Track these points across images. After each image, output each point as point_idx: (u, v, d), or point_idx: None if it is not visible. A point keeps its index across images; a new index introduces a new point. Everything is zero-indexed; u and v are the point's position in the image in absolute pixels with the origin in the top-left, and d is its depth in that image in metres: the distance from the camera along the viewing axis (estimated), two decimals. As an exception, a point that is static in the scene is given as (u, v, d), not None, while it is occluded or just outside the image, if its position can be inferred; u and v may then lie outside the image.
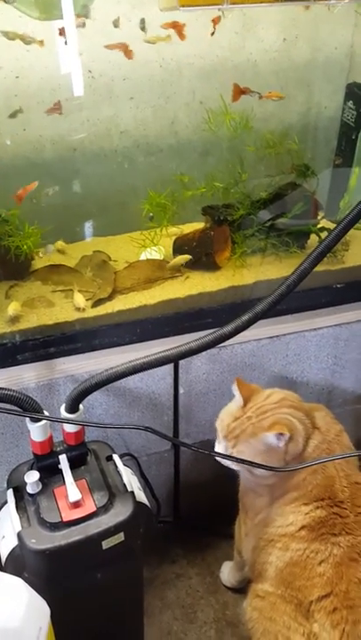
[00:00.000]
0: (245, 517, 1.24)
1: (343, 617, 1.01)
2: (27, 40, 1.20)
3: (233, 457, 1.12)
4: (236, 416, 1.15)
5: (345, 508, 1.09)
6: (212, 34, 1.30)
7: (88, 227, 1.56)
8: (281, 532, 1.12)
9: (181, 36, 1.30)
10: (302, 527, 1.09)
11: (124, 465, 1.12)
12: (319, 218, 1.52)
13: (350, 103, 1.53)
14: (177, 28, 1.27)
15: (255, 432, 1.10)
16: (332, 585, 1.03)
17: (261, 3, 1.14)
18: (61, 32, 1.16)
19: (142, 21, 1.31)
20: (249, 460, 1.08)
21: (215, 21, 1.29)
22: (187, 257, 1.43)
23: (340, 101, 1.60)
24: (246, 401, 1.15)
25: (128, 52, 1.32)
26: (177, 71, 1.48)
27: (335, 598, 1.02)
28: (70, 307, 1.32)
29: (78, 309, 1.31)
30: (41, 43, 1.24)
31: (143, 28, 1.32)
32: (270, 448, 1.10)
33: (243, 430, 1.13)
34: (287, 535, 1.10)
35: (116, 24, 1.27)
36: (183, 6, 1.09)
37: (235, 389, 1.17)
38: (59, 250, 1.51)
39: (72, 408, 1.05)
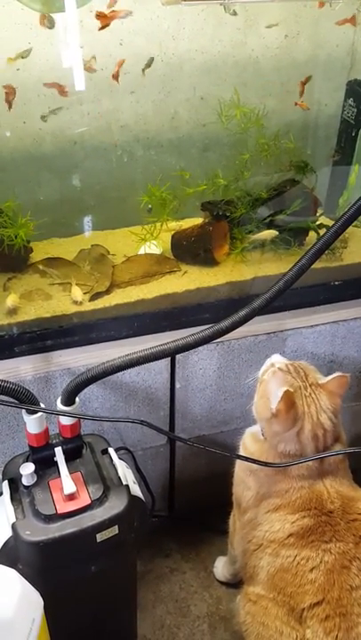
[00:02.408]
0: (238, 513, 1.24)
1: (336, 624, 1.00)
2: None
3: (227, 452, 1.13)
4: (308, 377, 1.15)
5: (335, 517, 1.08)
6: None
7: (86, 220, 1.56)
8: (269, 538, 1.11)
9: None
10: (290, 535, 1.08)
11: (120, 458, 1.12)
12: (318, 215, 1.52)
13: (351, 100, 1.53)
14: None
15: (287, 383, 1.11)
16: (324, 592, 1.03)
17: (263, -2, 1.14)
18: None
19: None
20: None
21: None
22: (274, 232, 1.42)
23: (340, 99, 1.60)
24: (324, 388, 1.14)
25: (63, 92, 1.31)
26: (178, 66, 1.48)
27: (327, 606, 1.02)
28: (68, 300, 1.32)
29: (76, 303, 1.31)
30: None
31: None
32: (269, 401, 1.11)
33: (294, 378, 1.14)
34: (276, 541, 1.10)
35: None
36: (185, 0, 1.09)
37: (337, 376, 1.15)
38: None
39: (68, 401, 1.05)
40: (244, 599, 1.16)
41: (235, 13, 1.35)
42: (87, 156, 1.52)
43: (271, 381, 1.13)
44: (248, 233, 1.48)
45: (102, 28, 1.23)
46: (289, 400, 1.08)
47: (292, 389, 1.09)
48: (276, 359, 1.20)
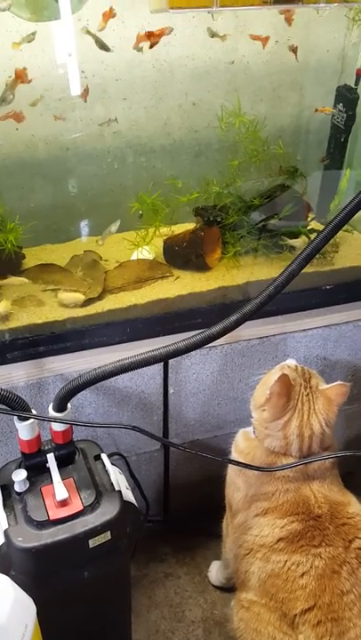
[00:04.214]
0: (230, 516, 1.25)
1: (328, 629, 1.01)
2: None
3: (217, 457, 1.13)
4: (311, 380, 1.17)
5: (323, 521, 1.09)
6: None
7: (79, 226, 1.56)
8: (259, 543, 1.12)
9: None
10: (280, 539, 1.09)
11: (113, 464, 1.12)
12: (309, 219, 1.53)
13: (340, 106, 1.54)
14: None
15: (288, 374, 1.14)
16: (316, 597, 1.03)
17: (251, 5, 1.15)
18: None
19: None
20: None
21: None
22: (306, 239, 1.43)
23: (331, 104, 1.61)
24: (323, 394, 1.15)
25: (19, 118, 1.32)
26: (169, 72, 1.48)
27: (319, 611, 1.02)
28: (60, 305, 1.32)
29: (68, 306, 1.31)
30: None
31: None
32: (266, 387, 1.13)
33: (298, 375, 1.16)
34: (265, 546, 1.11)
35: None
36: (172, 8, 1.10)
37: (337, 384, 1.17)
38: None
39: (60, 407, 1.05)
40: (237, 605, 1.16)
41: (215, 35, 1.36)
42: (80, 163, 1.53)
43: (275, 373, 1.15)
44: (241, 238, 1.48)
45: (152, 46, 1.29)
46: (283, 384, 1.10)
47: (290, 378, 1.11)
48: (290, 361, 1.24)
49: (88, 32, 1.27)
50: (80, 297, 1.32)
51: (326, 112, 1.55)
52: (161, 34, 1.27)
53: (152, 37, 1.27)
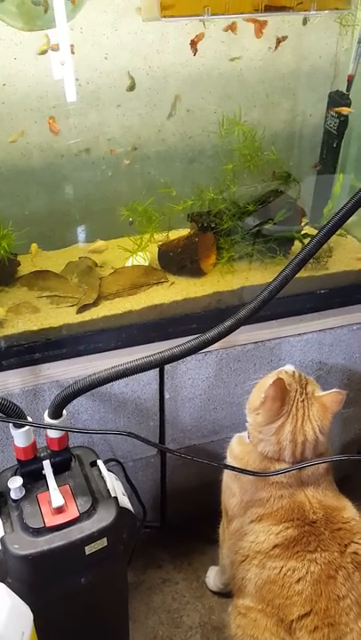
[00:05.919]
0: (226, 522, 1.25)
1: (325, 635, 1.01)
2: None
3: (214, 462, 1.13)
4: (307, 386, 1.17)
5: (319, 527, 1.09)
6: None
7: (75, 233, 1.57)
8: (255, 549, 1.12)
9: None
10: (275, 546, 1.09)
11: (109, 470, 1.13)
12: (303, 224, 1.53)
13: (333, 111, 1.55)
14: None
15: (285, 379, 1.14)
16: (312, 603, 1.03)
17: (242, 13, 1.16)
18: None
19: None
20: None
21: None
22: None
23: (324, 109, 1.62)
24: (318, 401, 1.15)
25: None
26: (163, 79, 1.49)
27: (315, 617, 1.02)
28: (55, 312, 1.33)
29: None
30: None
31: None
32: (262, 390, 1.13)
33: (294, 381, 1.16)
34: (261, 552, 1.11)
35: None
36: (165, 17, 1.11)
37: (333, 391, 1.17)
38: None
39: (55, 414, 1.05)
40: (234, 612, 1.16)
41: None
42: (75, 169, 1.53)
43: (271, 377, 1.16)
44: (235, 243, 1.49)
45: (195, 54, 1.38)
46: (278, 387, 1.10)
47: (286, 383, 1.11)
48: (288, 367, 1.24)
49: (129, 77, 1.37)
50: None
51: (344, 112, 1.54)
52: (199, 38, 1.35)
53: (193, 45, 1.36)
